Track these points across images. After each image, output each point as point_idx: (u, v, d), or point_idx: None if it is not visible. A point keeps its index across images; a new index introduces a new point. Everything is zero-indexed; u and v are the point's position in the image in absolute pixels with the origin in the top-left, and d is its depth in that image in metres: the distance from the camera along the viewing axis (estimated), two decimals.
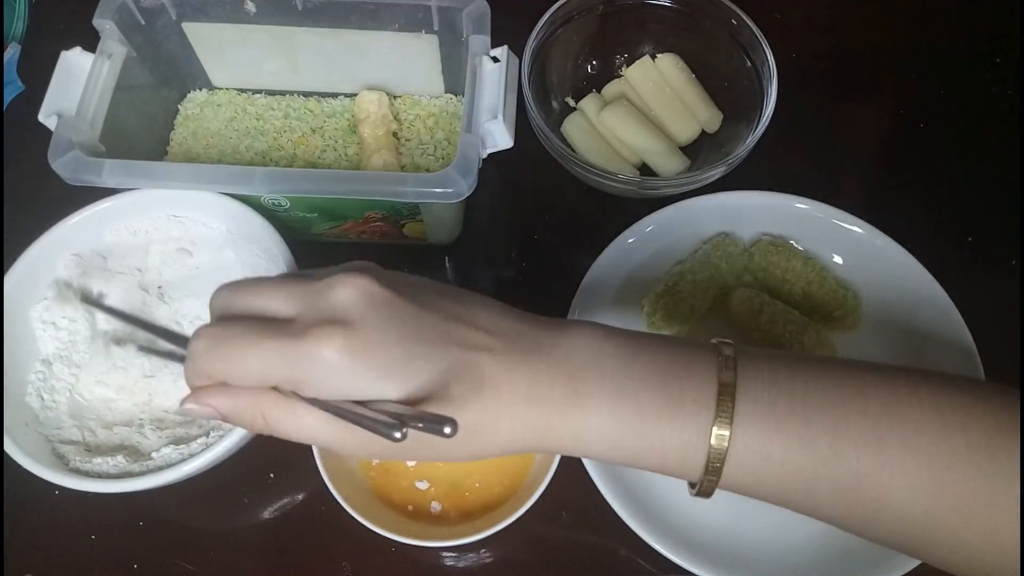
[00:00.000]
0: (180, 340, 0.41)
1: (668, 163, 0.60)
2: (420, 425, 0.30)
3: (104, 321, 0.53)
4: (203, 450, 0.45)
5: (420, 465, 0.50)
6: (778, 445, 0.32)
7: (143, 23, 0.55)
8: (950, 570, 0.34)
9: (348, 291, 0.33)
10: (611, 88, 0.64)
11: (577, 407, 0.33)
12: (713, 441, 0.33)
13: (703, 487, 0.34)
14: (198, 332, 0.34)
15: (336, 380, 0.31)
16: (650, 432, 0.33)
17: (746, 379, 0.33)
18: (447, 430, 0.30)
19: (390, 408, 0.31)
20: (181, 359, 0.37)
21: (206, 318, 0.53)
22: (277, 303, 0.34)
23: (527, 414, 0.33)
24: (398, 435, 0.29)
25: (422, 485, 0.50)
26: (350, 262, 0.37)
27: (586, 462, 0.48)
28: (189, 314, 0.54)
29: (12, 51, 0.65)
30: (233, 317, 0.34)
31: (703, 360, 0.34)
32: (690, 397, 0.33)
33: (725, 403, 0.33)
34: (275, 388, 0.33)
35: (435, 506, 0.49)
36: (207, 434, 0.48)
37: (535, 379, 0.33)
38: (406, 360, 0.32)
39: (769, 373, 0.34)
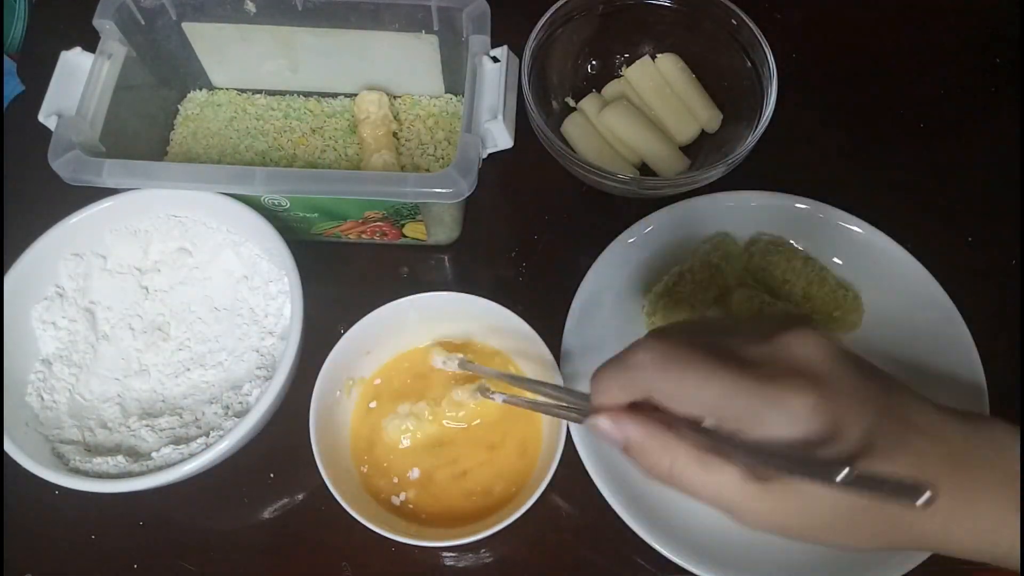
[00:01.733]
0: (574, 396, 0.40)
1: (668, 163, 0.60)
2: (884, 485, 0.28)
3: (104, 321, 0.53)
4: (203, 450, 0.45)
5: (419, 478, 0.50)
6: None
7: (143, 23, 0.55)
8: None
9: (812, 346, 0.32)
10: (611, 88, 0.64)
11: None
12: None
13: None
14: (643, 344, 0.33)
15: (792, 432, 0.30)
16: None
17: None
18: (925, 497, 0.26)
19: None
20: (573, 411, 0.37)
21: (205, 317, 0.53)
22: (732, 340, 0.33)
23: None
24: (839, 477, 0.28)
25: (411, 491, 0.50)
26: (785, 317, 0.37)
27: (586, 461, 0.48)
28: (189, 314, 0.54)
29: (9, 64, 0.65)
30: (674, 337, 0.33)
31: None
32: None
33: None
34: (692, 424, 0.32)
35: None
36: (207, 434, 0.48)
37: (962, 469, 0.32)
38: (873, 426, 0.31)
39: None
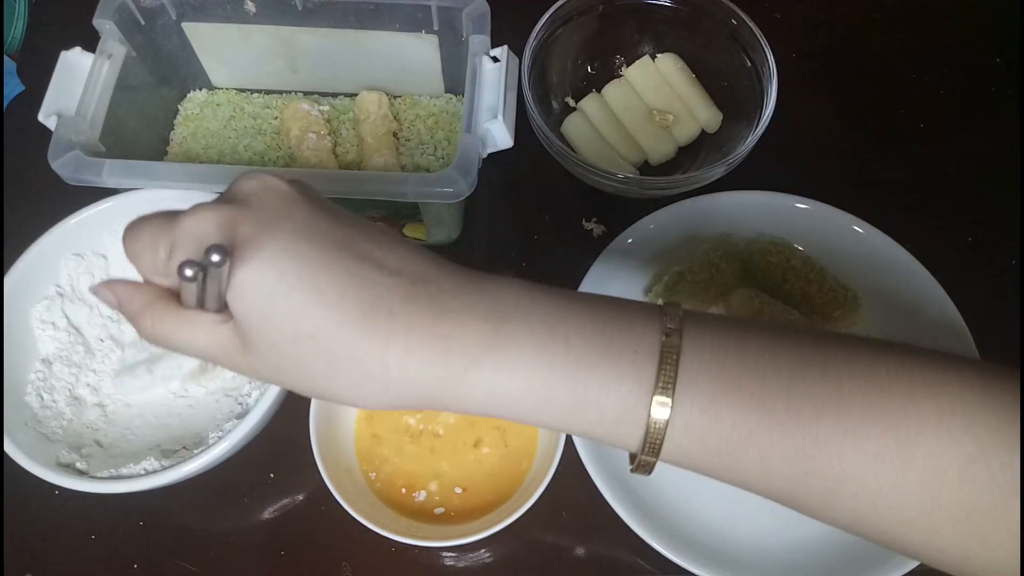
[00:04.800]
0: None
1: (661, 147, 0.61)
2: (213, 258, 0.28)
3: (104, 319, 0.53)
4: (203, 450, 0.45)
5: (423, 470, 0.50)
6: (728, 404, 0.28)
7: (143, 23, 0.55)
8: (923, 560, 0.30)
9: (249, 181, 0.32)
10: (611, 88, 0.64)
11: (495, 349, 0.28)
12: (657, 394, 0.28)
13: (645, 454, 0.30)
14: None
15: (196, 230, 0.30)
16: (583, 380, 0.29)
17: (694, 334, 0.29)
18: (215, 257, 0.27)
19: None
20: None
21: None
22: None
23: (427, 351, 0.28)
24: (188, 272, 0.28)
25: (420, 496, 0.50)
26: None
27: (586, 461, 0.48)
28: None
29: (9, 64, 0.65)
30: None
31: (647, 314, 0.30)
32: (630, 347, 0.29)
33: (670, 354, 0.28)
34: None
35: (437, 510, 0.50)
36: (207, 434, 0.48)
37: (442, 315, 0.29)
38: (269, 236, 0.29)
39: (719, 330, 0.30)
